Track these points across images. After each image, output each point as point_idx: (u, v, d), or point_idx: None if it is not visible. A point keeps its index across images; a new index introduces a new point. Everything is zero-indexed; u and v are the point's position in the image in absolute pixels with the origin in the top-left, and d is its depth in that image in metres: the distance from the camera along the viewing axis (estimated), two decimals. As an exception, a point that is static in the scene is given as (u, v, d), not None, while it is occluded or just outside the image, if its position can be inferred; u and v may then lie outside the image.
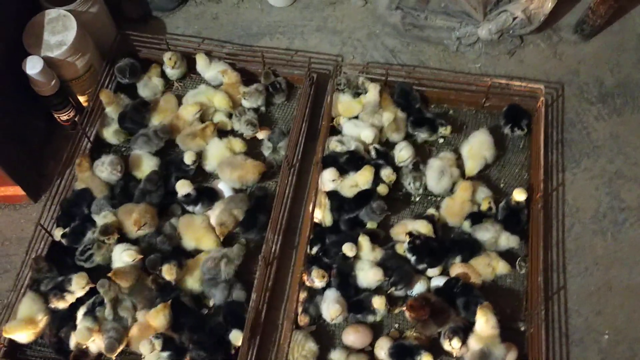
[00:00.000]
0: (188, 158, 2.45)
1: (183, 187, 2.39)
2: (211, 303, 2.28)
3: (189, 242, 2.37)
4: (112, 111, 2.60)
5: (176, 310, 2.18)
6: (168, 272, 2.21)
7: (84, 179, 2.45)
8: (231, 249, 2.30)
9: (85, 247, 2.29)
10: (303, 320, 2.22)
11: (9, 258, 2.47)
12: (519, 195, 2.36)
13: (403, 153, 2.48)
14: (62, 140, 2.68)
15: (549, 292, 2.33)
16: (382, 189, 2.42)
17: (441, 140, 2.63)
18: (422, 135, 2.58)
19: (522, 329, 2.25)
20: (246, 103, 2.66)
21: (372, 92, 2.60)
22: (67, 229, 2.33)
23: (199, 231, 2.35)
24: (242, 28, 3.04)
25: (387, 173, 2.43)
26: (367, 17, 3.05)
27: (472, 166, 2.48)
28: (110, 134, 2.59)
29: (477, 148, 2.49)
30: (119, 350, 2.11)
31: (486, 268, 2.28)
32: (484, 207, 2.39)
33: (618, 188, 2.58)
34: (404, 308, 2.21)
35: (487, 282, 2.30)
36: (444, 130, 2.56)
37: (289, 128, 2.63)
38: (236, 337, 2.13)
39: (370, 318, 2.25)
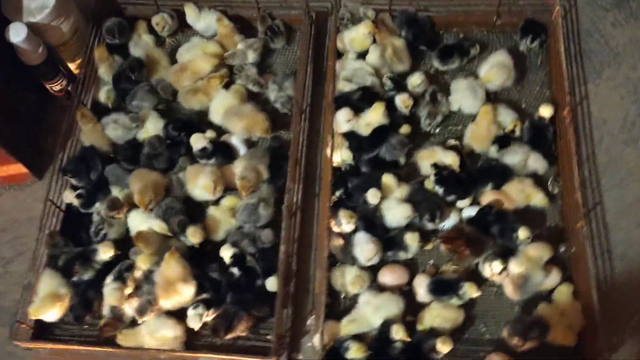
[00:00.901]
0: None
1: (198, 141, 2.28)
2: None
3: (196, 192, 2.26)
4: (105, 72, 2.48)
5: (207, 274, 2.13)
6: (193, 235, 2.11)
7: (88, 133, 2.34)
8: (261, 191, 2.21)
9: (97, 228, 2.20)
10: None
11: (21, 240, 2.37)
12: (545, 111, 2.26)
13: (414, 78, 2.37)
14: (58, 112, 2.54)
15: (586, 209, 2.24)
16: (405, 129, 2.31)
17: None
18: (453, 66, 2.46)
19: (562, 249, 2.18)
20: (237, 60, 2.52)
21: (364, 26, 2.44)
22: (81, 190, 2.24)
23: (207, 178, 2.23)
24: (228, -28, 2.86)
25: (403, 98, 2.31)
26: (361, -54, 2.87)
27: (494, 76, 2.37)
28: (103, 95, 2.47)
29: (496, 67, 2.37)
30: (149, 314, 2.03)
31: (519, 194, 2.18)
32: (510, 127, 2.28)
33: (644, 95, 2.48)
34: (438, 241, 2.12)
35: (520, 207, 2.21)
36: (474, 50, 2.45)
37: (292, 70, 2.51)
38: (273, 284, 2.08)
39: (402, 255, 2.16)
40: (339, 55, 2.48)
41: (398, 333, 1.94)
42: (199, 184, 2.23)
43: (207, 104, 2.45)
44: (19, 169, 2.35)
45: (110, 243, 2.14)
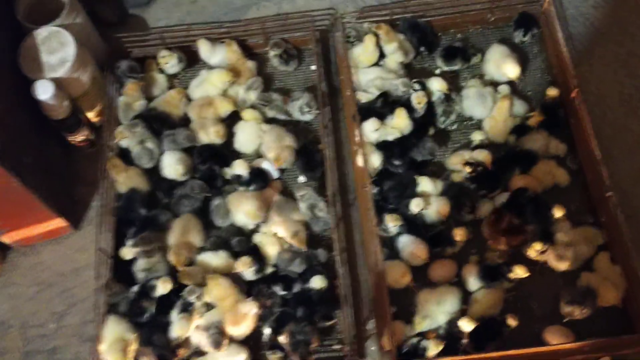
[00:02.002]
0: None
1: (238, 167, 2.38)
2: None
3: (240, 218, 2.33)
4: (128, 103, 2.52)
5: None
6: (244, 265, 2.18)
7: (125, 181, 2.38)
8: (306, 193, 2.33)
9: (146, 279, 2.22)
10: None
11: (70, 292, 2.38)
12: (552, 92, 2.45)
13: (436, 84, 2.50)
14: (83, 161, 2.58)
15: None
16: (430, 130, 2.44)
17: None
18: (454, 67, 2.59)
19: (591, 220, 2.33)
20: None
21: (369, 40, 2.56)
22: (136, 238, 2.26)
23: (250, 205, 2.31)
24: (225, 5, 2.94)
25: (417, 96, 2.43)
26: (347, -36, 2.99)
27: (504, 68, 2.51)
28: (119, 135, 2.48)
29: (499, 59, 2.53)
30: (225, 345, 2.09)
31: (546, 176, 2.33)
32: (531, 119, 2.43)
33: (634, 67, 2.66)
34: (485, 230, 2.25)
35: (548, 188, 2.36)
36: (477, 59, 2.59)
37: (302, 88, 2.62)
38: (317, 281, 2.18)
39: (449, 250, 2.28)
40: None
41: (468, 326, 2.04)
42: (243, 209, 2.30)
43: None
44: (58, 223, 2.36)
45: (168, 277, 2.18)
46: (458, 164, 2.35)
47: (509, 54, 2.53)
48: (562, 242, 2.18)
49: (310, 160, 2.40)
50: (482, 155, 2.34)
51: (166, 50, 2.62)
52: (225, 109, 2.51)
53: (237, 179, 2.38)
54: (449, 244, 2.25)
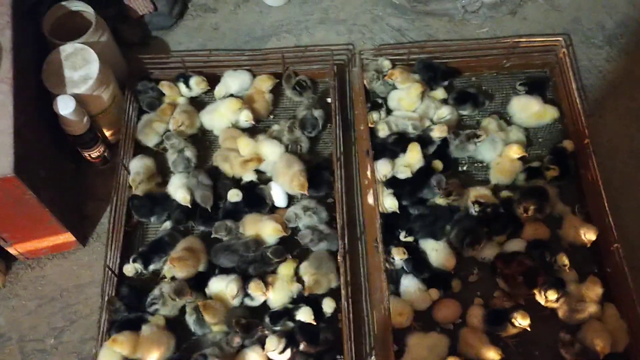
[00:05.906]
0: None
1: (232, 196, 2.42)
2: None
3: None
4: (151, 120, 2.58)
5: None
6: (256, 288, 2.19)
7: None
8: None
9: (152, 300, 2.22)
10: None
11: (72, 308, 2.36)
12: (568, 144, 2.51)
13: (442, 110, 2.57)
14: (95, 178, 2.60)
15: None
16: (437, 165, 2.45)
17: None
18: (464, 112, 2.64)
19: (595, 270, 2.33)
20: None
21: (414, 89, 2.61)
22: (135, 255, 2.30)
23: (263, 223, 2.34)
24: (245, 33, 3.00)
25: (438, 128, 2.48)
26: (367, 1, 3.05)
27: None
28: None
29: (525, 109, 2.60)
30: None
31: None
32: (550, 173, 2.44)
33: (646, 122, 2.71)
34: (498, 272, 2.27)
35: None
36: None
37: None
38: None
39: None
40: (374, 107, 2.62)
41: None
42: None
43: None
44: (66, 237, 2.36)
45: (162, 318, 2.21)
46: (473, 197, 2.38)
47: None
48: (574, 296, 2.19)
49: (317, 178, 2.44)
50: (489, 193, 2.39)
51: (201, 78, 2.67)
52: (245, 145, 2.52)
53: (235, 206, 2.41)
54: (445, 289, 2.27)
